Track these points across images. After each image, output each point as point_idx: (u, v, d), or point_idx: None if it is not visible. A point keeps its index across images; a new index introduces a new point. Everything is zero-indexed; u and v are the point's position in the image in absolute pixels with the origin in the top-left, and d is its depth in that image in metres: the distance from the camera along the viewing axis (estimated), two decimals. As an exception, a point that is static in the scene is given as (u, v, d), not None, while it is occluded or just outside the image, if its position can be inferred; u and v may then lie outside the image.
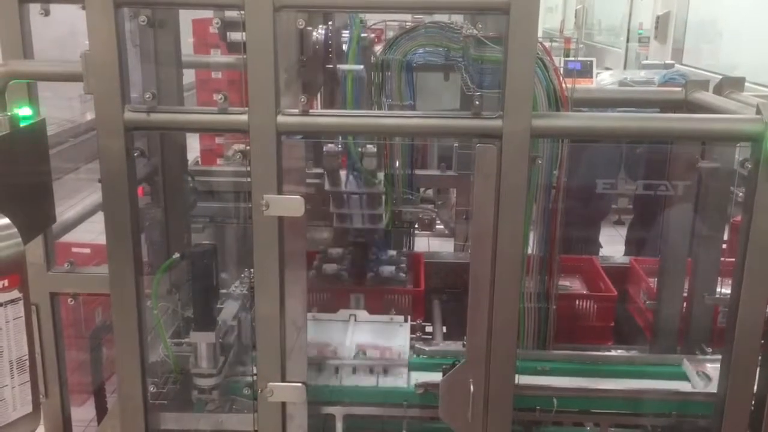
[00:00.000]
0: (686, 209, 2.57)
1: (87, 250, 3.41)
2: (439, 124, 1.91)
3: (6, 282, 1.41)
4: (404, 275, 3.01)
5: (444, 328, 2.85)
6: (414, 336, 2.61)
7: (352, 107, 2.46)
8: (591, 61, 6.38)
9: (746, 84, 2.36)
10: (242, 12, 1.76)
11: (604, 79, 6.07)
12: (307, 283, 2.04)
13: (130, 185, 1.90)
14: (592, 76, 6.10)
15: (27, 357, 1.47)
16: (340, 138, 2.63)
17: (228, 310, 2.42)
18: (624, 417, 2.34)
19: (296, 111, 1.85)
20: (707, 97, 2.41)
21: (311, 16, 2.33)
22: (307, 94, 1.88)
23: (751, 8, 6.55)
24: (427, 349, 2.53)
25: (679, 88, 2.55)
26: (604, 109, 2.75)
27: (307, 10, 2.22)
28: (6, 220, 1.45)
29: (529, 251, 2.40)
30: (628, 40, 9.56)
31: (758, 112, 1.84)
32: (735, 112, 2.10)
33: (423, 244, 4.93)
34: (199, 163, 4.07)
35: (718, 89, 2.37)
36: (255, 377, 2.02)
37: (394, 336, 2.52)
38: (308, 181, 2.90)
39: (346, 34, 2.46)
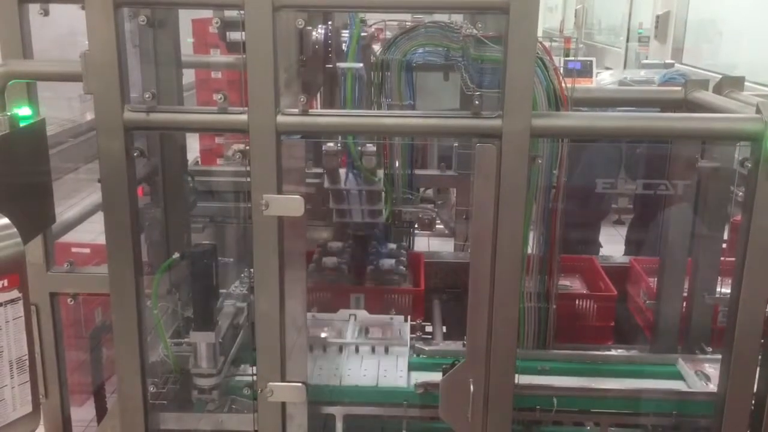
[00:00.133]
0: (686, 209, 2.57)
1: (87, 250, 3.41)
2: (438, 124, 1.91)
3: (6, 282, 1.41)
4: (404, 268, 3.01)
5: (444, 328, 2.85)
6: (414, 336, 2.61)
7: (352, 105, 2.46)
8: (591, 61, 6.38)
9: (746, 83, 2.36)
10: (242, 12, 1.76)
11: (604, 79, 6.07)
12: (307, 280, 2.04)
13: (129, 185, 1.90)
14: (591, 76, 6.09)
15: (27, 357, 1.47)
16: (340, 138, 2.63)
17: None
18: (624, 417, 2.34)
19: (296, 111, 1.85)
20: (707, 96, 2.41)
21: (311, 16, 2.33)
22: (306, 94, 1.88)
23: (750, 8, 6.55)
24: (427, 348, 2.53)
25: (678, 88, 2.55)
26: (603, 109, 2.74)
27: (306, 9, 2.22)
28: (6, 220, 1.45)
29: (529, 251, 2.40)
30: (628, 40, 9.56)
31: (758, 111, 1.83)
32: (735, 112, 2.09)
33: (423, 243, 4.92)
34: (199, 163, 4.07)
35: (718, 89, 2.37)
36: (255, 377, 2.02)
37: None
38: (308, 180, 2.90)
39: (345, 33, 2.46)
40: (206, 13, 2.22)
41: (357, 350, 2.53)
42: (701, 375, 2.41)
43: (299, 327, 2.04)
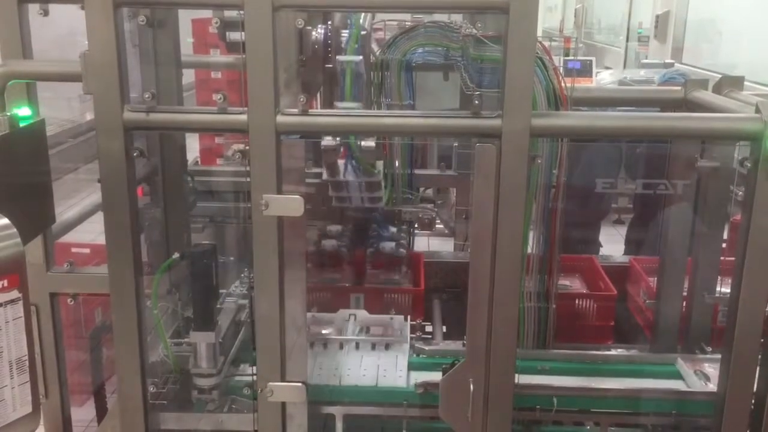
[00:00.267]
0: (686, 208, 2.57)
1: (87, 250, 3.41)
2: (438, 124, 1.91)
3: (5, 282, 1.41)
4: (404, 251, 3.02)
5: (444, 328, 2.86)
6: (414, 335, 2.61)
7: (351, 98, 2.44)
8: (590, 61, 6.38)
9: (745, 83, 2.36)
10: (241, 12, 1.76)
11: (604, 79, 6.07)
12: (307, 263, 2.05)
13: (129, 185, 1.90)
14: (591, 76, 6.09)
15: (26, 357, 1.47)
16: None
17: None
18: (624, 416, 2.34)
19: (296, 111, 1.85)
20: (706, 96, 2.41)
21: (310, 16, 2.33)
22: (306, 94, 1.88)
23: (750, 7, 6.55)
24: (426, 348, 2.53)
25: (678, 88, 2.55)
26: (603, 109, 2.74)
27: (306, 9, 2.22)
28: (5, 221, 1.45)
29: (529, 250, 2.40)
30: (627, 40, 9.56)
31: (757, 110, 1.83)
32: (734, 111, 2.09)
33: (423, 243, 4.92)
34: (199, 163, 4.07)
35: (718, 88, 2.37)
36: (255, 377, 2.02)
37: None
38: (308, 180, 2.89)
39: (345, 33, 2.45)
40: (206, 13, 2.21)
41: (357, 347, 2.54)
42: (701, 375, 2.41)
43: (299, 327, 2.04)
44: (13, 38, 2.09)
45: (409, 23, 2.64)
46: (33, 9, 2.14)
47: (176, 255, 2.27)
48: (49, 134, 1.92)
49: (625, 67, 8.87)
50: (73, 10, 2.00)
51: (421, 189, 3.58)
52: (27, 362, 1.47)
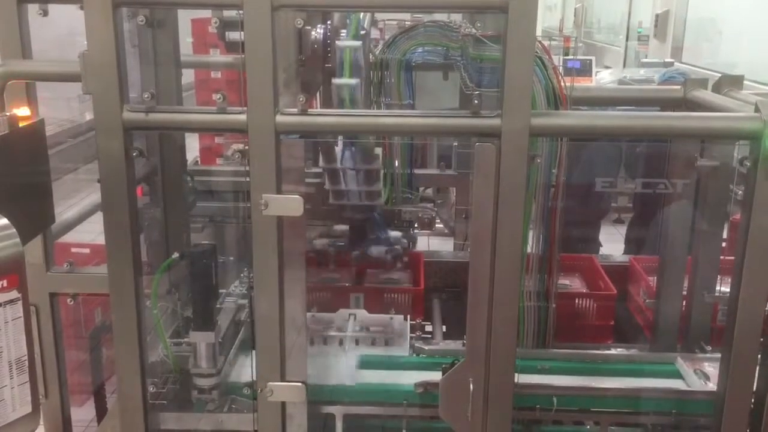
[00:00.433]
0: (686, 207, 2.57)
1: (86, 250, 3.41)
2: (438, 123, 1.91)
3: (5, 282, 1.41)
4: (404, 249, 3.02)
5: (444, 327, 2.85)
6: (414, 335, 2.61)
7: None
8: (590, 60, 6.39)
9: (745, 82, 2.36)
10: (241, 11, 1.76)
11: (604, 78, 6.07)
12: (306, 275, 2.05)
13: (129, 185, 1.90)
14: (591, 75, 6.10)
15: (26, 357, 1.47)
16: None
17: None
18: (624, 416, 2.34)
19: (295, 110, 1.85)
20: (706, 95, 2.41)
21: (310, 16, 2.33)
22: (305, 94, 1.88)
23: (750, 6, 6.55)
24: (426, 348, 2.53)
25: (678, 87, 2.55)
26: (603, 108, 2.74)
27: (305, 9, 2.22)
28: (5, 221, 1.45)
29: (529, 250, 2.40)
30: (627, 39, 9.56)
31: (757, 110, 1.84)
32: (734, 111, 2.09)
33: (423, 243, 4.92)
34: (198, 162, 4.06)
35: (717, 87, 2.37)
36: (255, 377, 2.02)
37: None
38: (307, 180, 2.89)
39: (344, 33, 2.45)
40: (205, 13, 2.21)
41: (357, 343, 2.54)
42: (700, 374, 2.41)
43: (299, 327, 2.04)
44: (13, 38, 2.09)
45: (408, 23, 2.64)
46: (32, 9, 2.14)
47: (176, 255, 2.27)
48: (49, 134, 1.92)
49: (624, 66, 8.87)
50: (73, 10, 2.00)
51: (421, 188, 3.58)
52: (27, 362, 1.47)
